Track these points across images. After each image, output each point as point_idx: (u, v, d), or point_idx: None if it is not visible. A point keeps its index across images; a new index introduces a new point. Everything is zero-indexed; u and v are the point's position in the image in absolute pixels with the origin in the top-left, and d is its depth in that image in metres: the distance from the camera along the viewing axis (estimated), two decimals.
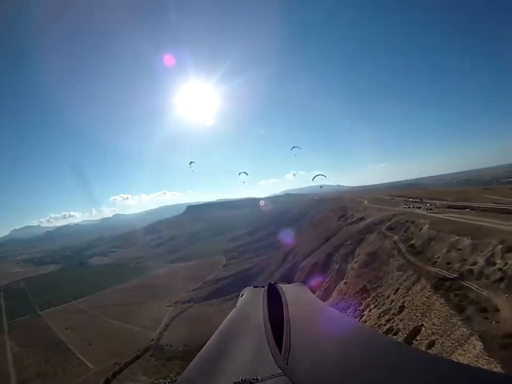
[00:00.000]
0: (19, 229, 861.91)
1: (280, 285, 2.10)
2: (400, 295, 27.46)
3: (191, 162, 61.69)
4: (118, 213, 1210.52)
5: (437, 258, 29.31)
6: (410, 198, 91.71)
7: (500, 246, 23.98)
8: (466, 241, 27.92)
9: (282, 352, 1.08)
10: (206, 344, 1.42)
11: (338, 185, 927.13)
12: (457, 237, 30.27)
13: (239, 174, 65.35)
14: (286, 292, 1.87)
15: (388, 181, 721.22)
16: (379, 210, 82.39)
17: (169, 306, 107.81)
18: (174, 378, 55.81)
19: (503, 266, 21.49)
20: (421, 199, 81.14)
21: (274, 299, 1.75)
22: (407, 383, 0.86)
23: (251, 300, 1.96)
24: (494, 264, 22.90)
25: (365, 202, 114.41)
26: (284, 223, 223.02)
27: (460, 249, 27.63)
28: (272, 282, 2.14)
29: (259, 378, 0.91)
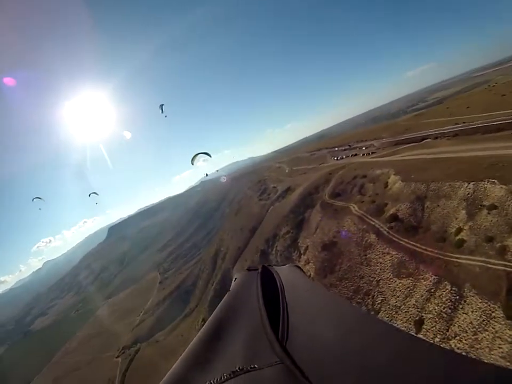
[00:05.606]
0: None
1: (274, 267, 2.01)
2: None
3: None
4: (47, 259, 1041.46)
5: (457, 232, 16.70)
6: (335, 147, 76.42)
7: None
8: (496, 187, 15.70)
9: (279, 339, 1.02)
10: (201, 331, 1.32)
11: (250, 158, 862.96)
12: (467, 184, 18.13)
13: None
14: (281, 274, 1.78)
15: (297, 140, 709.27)
16: (304, 172, 66.77)
17: (117, 357, 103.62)
18: None
19: None
20: (349, 145, 68.16)
21: (269, 283, 1.65)
22: (409, 368, 0.82)
23: (245, 285, 1.83)
24: None
25: (285, 168, 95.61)
26: (205, 214, 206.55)
27: (495, 207, 15.12)
28: (266, 264, 2.00)
29: (257, 366, 0.87)
